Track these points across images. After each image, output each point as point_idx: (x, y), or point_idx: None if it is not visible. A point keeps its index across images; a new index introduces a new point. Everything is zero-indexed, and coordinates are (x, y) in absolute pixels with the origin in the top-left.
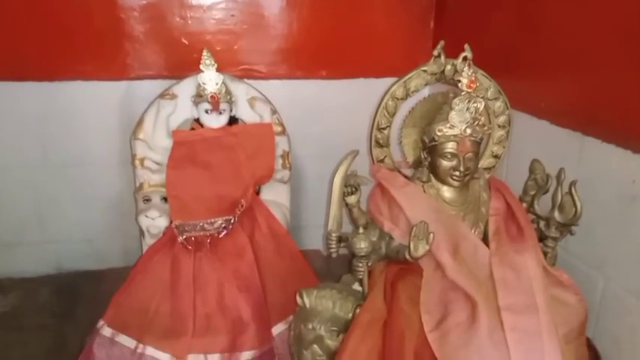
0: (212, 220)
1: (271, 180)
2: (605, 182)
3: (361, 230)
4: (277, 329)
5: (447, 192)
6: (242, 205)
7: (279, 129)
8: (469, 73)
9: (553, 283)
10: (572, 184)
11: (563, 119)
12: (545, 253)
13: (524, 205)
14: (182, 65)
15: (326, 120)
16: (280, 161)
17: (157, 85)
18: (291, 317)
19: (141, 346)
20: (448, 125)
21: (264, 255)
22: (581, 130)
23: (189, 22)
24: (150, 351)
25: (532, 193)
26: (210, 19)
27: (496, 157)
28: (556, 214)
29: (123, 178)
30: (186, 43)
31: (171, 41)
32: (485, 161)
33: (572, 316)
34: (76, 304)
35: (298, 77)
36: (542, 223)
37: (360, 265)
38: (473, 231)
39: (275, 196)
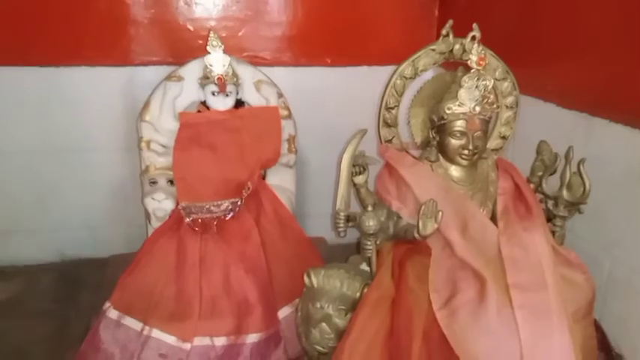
0: (218, 203)
1: (277, 164)
2: (613, 162)
3: (370, 208)
4: (283, 312)
5: (455, 171)
6: (248, 188)
7: (285, 113)
8: (479, 51)
9: (561, 262)
10: (581, 162)
11: (569, 101)
12: (553, 233)
13: (532, 185)
14: (186, 51)
15: (330, 107)
16: (286, 145)
17: (160, 71)
18: (297, 301)
19: (147, 328)
20: (457, 103)
21: (270, 239)
22: (589, 112)
23: (194, 8)
24: (156, 333)
25: (539, 174)
26: (214, 6)
27: (504, 138)
28: (564, 192)
29: (125, 165)
30: (191, 29)
31: (175, 27)
32: (492, 142)
33: (580, 295)
34: (79, 291)
35: (302, 64)
36: (550, 203)
37: (369, 243)
38: (481, 210)
39: (281, 181)
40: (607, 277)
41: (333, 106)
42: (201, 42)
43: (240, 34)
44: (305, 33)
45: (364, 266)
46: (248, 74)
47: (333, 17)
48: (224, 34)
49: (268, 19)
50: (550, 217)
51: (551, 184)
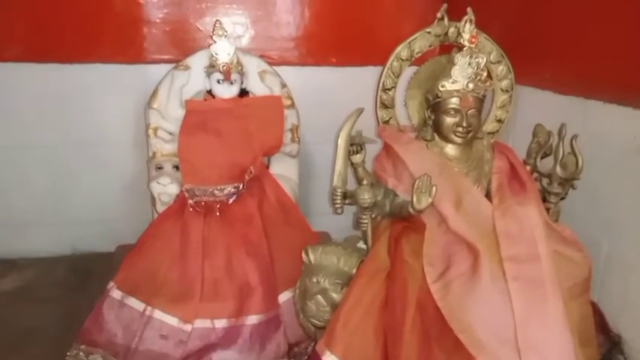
0: (222, 187)
1: (280, 153)
2: (609, 142)
3: (365, 182)
4: (284, 297)
5: (450, 150)
6: (250, 172)
7: (288, 102)
8: (471, 29)
9: (556, 239)
10: (574, 137)
11: (566, 87)
12: (548, 210)
13: (529, 168)
14: (196, 50)
15: (336, 107)
16: (289, 135)
17: None
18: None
19: (149, 309)
20: (451, 80)
21: (272, 225)
22: (584, 95)
23: (205, 8)
24: (158, 314)
25: (535, 155)
26: (224, 6)
27: (500, 121)
28: (558, 169)
29: (138, 160)
30: (201, 29)
31: (186, 27)
32: (489, 126)
33: (575, 271)
34: (88, 281)
35: (309, 64)
36: (544, 181)
37: (364, 217)
38: (476, 187)
39: (284, 170)
40: (605, 257)
41: (339, 105)
42: (210, 41)
43: (248, 33)
44: (311, 33)
45: (361, 244)
46: (252, 64)
47: (340, 18)
48: (233, 34)
49: (276, 20)
50: (545, 196)
51: (545, 164)
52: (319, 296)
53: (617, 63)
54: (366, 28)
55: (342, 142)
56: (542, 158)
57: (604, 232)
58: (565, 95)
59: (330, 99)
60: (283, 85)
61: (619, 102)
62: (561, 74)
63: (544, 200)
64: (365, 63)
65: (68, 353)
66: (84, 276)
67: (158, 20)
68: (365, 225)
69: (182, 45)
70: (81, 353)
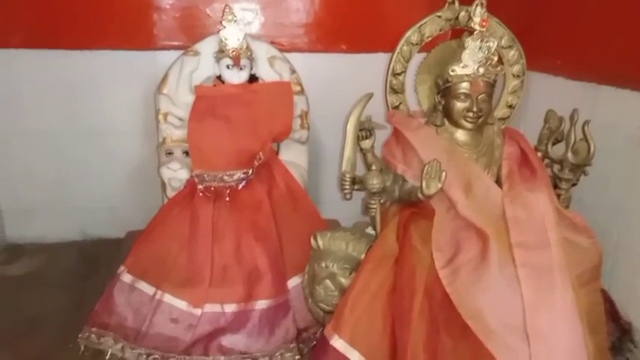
0: (231, 173)
1: (290, 140)
2: (620, 128)
3: (374, 167)
4: (292, 282)
5: (460, 135)
6: (260, 158)
7: (297, 88)
8: (482, 13)
9: (566, 226)
10: (585, 123)
11: (578, 73)
12: (558, 196)
13: (540, 154)
14: (206, 36)
15: (346, 94)
16: (299, 121)
17: None
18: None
19: (159, 292)
20: (461, 65)
21: (282, 211)
22: (596, 81)
23: None
24: (167, 298)
25: (546, 141)
26: None
27: (511, 107)
28: (569, 155)
29: (146, 148)
30: (210, 15)
31: (195, 13)
32: (500, 111)
33: (585, 258)
34: (97, 268)
35: (319, 51)
36: (556, 167)
37: (373, 202)
38: (486, 173)
39: (293, 157)
40: (615, 244)
41: (348, 92)
42: (219, 27)
43: (258, 20)
44: (321, 19)
45: (369, 230)
46: (262, 50)
47: (349, 4)
48: (242, 20)
49: (286, 6)
50: (556, 183)
51: (556, 150)
52: (328, 281)
53: (629, 48)
54: (376, 15)
55: (351, 127)
56: (553, 144)
57: (614, 220)
58: (577, 81)
59: (340, 86)
60: (293, 71)
61: (631, 87)
62: (573, 60)
63: (555, 187)
64: (375, 49)
65: (80, 335)
66: (93, 262)
67: (167, 6)
68: (374, 210)
69: (191, 31)
70: (92, 336)
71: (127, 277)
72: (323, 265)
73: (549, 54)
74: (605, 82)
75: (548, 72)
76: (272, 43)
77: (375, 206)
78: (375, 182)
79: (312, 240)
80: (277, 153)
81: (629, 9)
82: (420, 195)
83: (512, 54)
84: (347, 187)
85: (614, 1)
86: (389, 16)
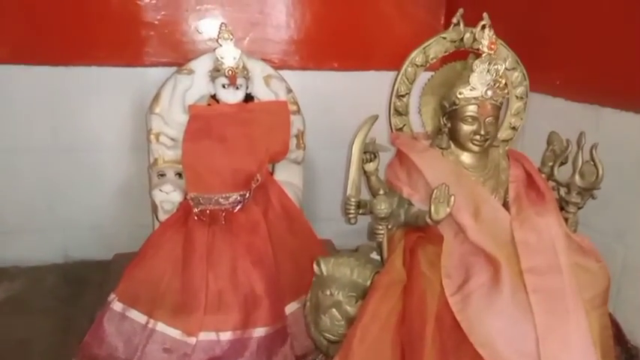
0: (227, 195)
1: (285, 160)
2: (623, 150)
3: (381, 192)
4: (290, 308)
5: (466, 158)
6: (257, 180)
7: (294, 108)
8: (490, 35)
9: (575, 250)
10: (593, 147)
11: (578, 94)
12: (566, 220)
13: (544, 175)
14: (195, 53)
15: (338, 111)
16: (295, 141)
17: (170, 73)
18: (304, 297)
19: (151, 321)
20: (469, 87)
21: (277, 233)
22: (598, 103)
23: (204, 10)
24: (160, 327)
25: (550, 164)
26: (223, 8)
27: (514, 129)
28: (577, 178)
29: (133, 165)
30: (200, 31)
31: (185, 29)
32: (503, 133)
33: (595, 282)
34: (83, 290)
35: (310, 68)
36: (562, 190)
37: (380, 227)
38: (493, 196)
39: (288, 177)
40: (621, 266)
41: (340, 109)
42: (209, 44)
43: (248, 37)
44: (312, 37)
45: (374, 255)
46: (258, 69)
47: (340, 22)
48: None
49: (276, 23)
50: (562, 206)
51: (562, 173)
52: (334, 310)
53: (630, 69)
54: (367, 33)
55: (356, 150)
56: (558, 167)
57: (618, 241)
58: (577, 102)
59: (332, 104)
60: (289, 90)
61: (634, 109)
62: (574, 81)
63: (561, 209)
64: (367, 67)
65: None
66: (78, 285)
67: (156, 22)
68: (381, 236)
69: (180, 47)
70: None
71: (117, 306)
72: (327, 292)
73: (548, 75)
74: (606, 104)
75: (547, 93)
76: (263, 60)
77: (382, 232)
78: (383, 207)
79: (315, 266)
80: (272, 173)
81: (630, 30)
82: (428, 220)
83: (515, 76)
84: (352, 211)
85: (616, 22)
86: (380, 35)
